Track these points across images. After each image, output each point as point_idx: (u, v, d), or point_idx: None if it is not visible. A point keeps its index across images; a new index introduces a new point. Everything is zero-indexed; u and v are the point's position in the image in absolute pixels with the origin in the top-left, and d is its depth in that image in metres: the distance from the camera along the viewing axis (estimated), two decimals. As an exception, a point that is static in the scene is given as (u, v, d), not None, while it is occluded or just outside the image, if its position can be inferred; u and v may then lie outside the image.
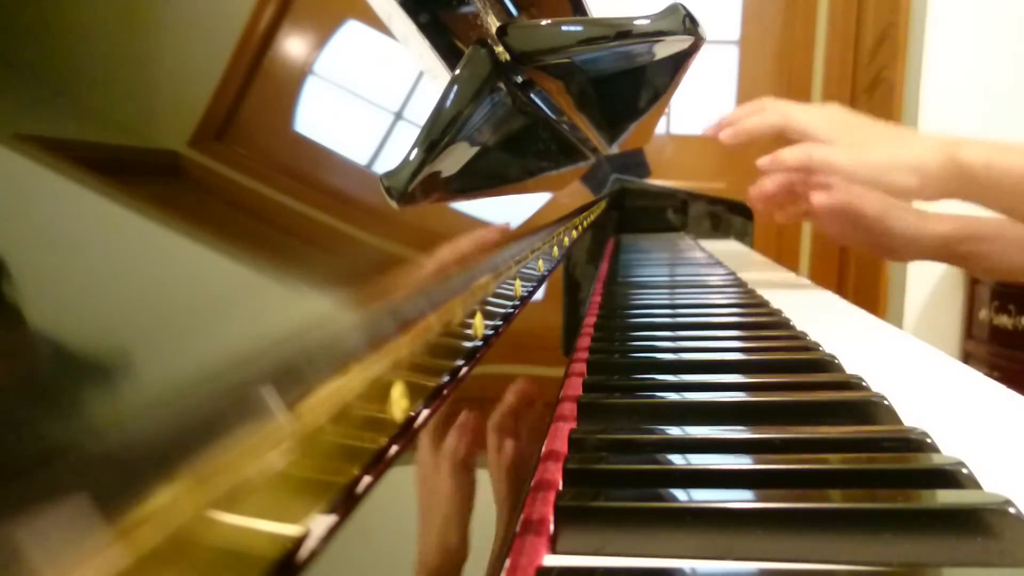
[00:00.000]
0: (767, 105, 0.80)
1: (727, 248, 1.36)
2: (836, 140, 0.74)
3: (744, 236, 1.55)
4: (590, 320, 0.60)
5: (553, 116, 0.53)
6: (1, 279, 0.08)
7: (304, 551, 0.11)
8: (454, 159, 0.28)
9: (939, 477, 0.29)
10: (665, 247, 1.24)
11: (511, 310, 0.29)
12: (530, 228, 0.37)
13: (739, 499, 0.27)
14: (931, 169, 0.71)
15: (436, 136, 0.25)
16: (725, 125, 0.81)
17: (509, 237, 0.31)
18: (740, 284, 0.79)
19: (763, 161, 0.76)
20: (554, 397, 0.40)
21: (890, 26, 2.13)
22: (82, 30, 0.13)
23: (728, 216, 1.57)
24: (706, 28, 0.41)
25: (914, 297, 1.96)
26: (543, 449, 0.34)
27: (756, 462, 0.30)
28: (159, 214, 0.12)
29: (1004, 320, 1.77)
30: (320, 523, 0.12)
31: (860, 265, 2.15)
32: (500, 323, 0.27)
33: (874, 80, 2.26)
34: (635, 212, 1.53)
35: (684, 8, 0.39)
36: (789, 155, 0.73)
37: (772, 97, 0.94)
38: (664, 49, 0.45)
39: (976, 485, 0.28)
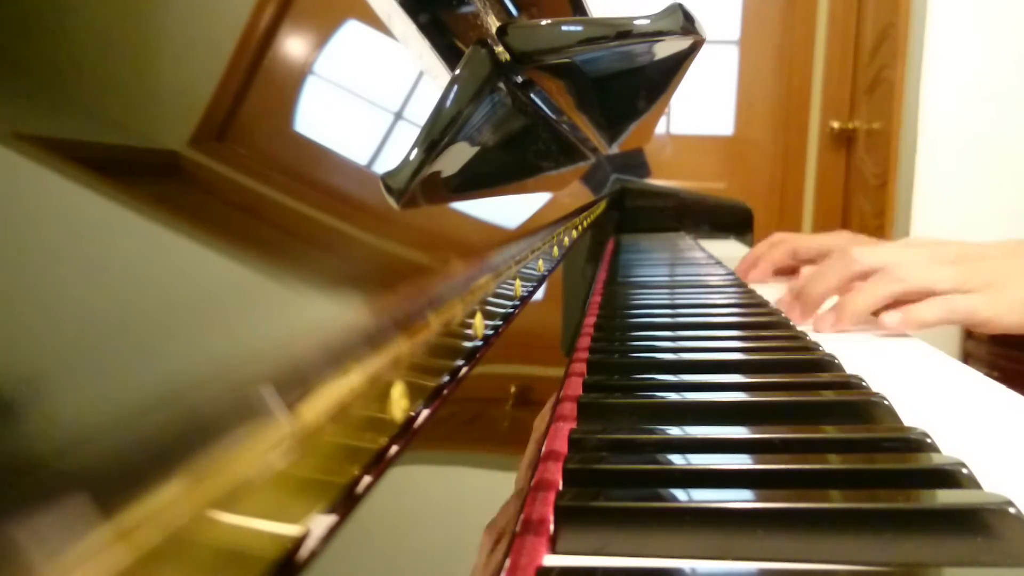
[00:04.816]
0: (876, 267, 0.63)
1: (727, 248, 1.36)
2: (963, 285, 0.61)
3: (744, 236, 1.55)
4: (590, 320, 0.60)
5: (553, 116, 0.53)
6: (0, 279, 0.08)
7: (304, 551, 0.11)
8: (454, 159, 0.28)
9: (939, 477, 0.29)
10: (665, 247, 1.24)
11: (511, 310, 0.29)
12: (530, 228, 0.37)
13: (739, 499, 0.27)
14: None
15: (436, 136, 0.25)
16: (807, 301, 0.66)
17: (509, 237, 0.31)
18: (740, 284, 0.79)
19: (892, 321, 0.61)
20: (554, 397, 0.40)
21: (890, 26, 2.13)
22: (82, 29, 0.13)
23: (728, 216, 1.57)
24: (706, 28, 0.41)
25: (914, 297, 1.96)
26: (543, 449, 0.34)
27: (756, 462, 0.30)
28: (159, 214, 0.12)
29: (1004, 320, 1.77)
30: (320, 523, 0.12)
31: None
32: (500, 323, 0.27)
33: (874, 80, 2.26)
34: (635, 212, 1.53)
35: (684, 8, 0.39)
36: (929, 313, 0.61)
37: (849, 237, 0.80)
38: (664, 49, 0.45)
39: (976, 485, 0.28)
